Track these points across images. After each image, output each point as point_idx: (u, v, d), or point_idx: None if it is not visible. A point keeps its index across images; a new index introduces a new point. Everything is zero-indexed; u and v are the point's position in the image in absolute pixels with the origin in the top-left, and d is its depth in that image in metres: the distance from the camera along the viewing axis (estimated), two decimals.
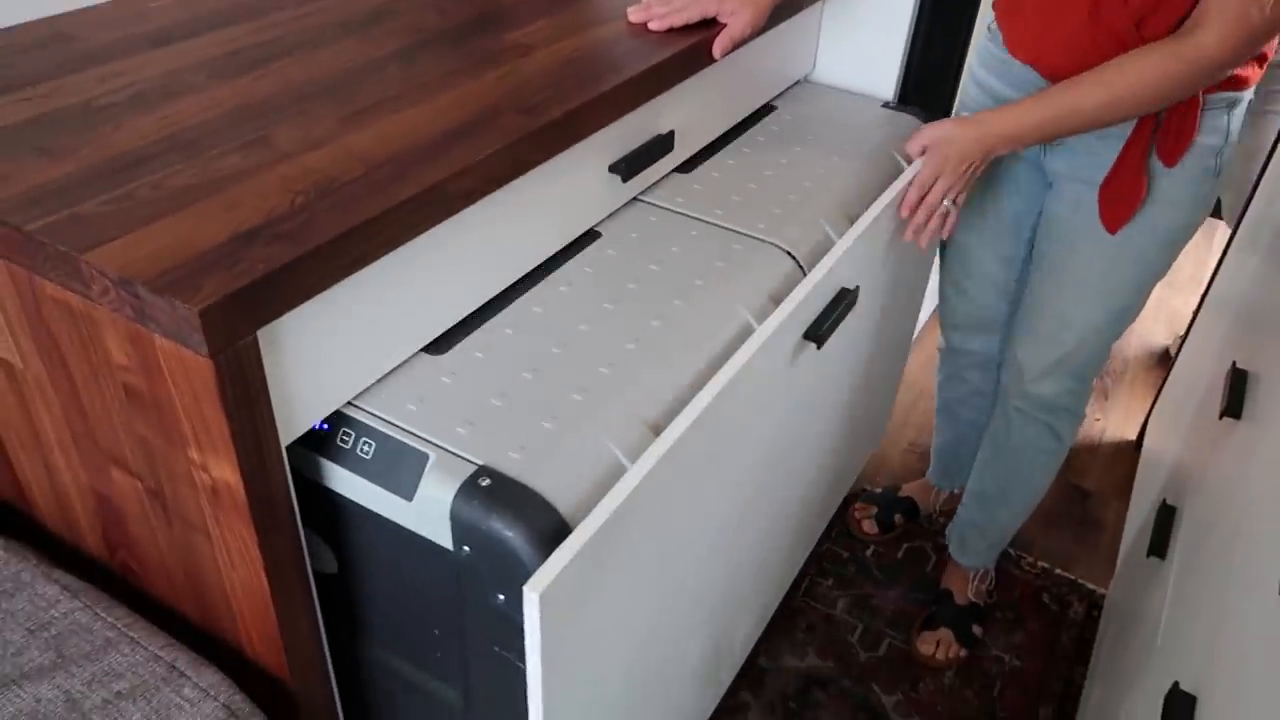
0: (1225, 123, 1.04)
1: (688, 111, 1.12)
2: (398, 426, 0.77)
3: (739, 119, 1.28)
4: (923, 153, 1.10)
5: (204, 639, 0.85)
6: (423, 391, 0.81)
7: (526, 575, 0.67)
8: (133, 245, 0.64)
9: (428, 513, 0.73)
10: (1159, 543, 1.16)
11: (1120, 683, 1.11)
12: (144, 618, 0.81)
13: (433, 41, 1.00)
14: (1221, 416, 1.07)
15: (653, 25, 1.07)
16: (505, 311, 0.91)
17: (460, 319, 0.88)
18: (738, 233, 1.06)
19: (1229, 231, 1.70)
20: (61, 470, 0.83)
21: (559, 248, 0.99)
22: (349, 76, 0.90)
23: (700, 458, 0.81)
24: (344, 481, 0.77)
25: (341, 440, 0.77)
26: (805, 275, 1.02)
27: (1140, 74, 0.98)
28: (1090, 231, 1.14)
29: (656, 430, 0.81)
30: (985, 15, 1.58)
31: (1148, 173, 1.07)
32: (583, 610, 0.70)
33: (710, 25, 1.09)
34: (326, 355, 0.73)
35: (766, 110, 1.35)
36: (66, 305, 0.67)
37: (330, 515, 0.81)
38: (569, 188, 0.96)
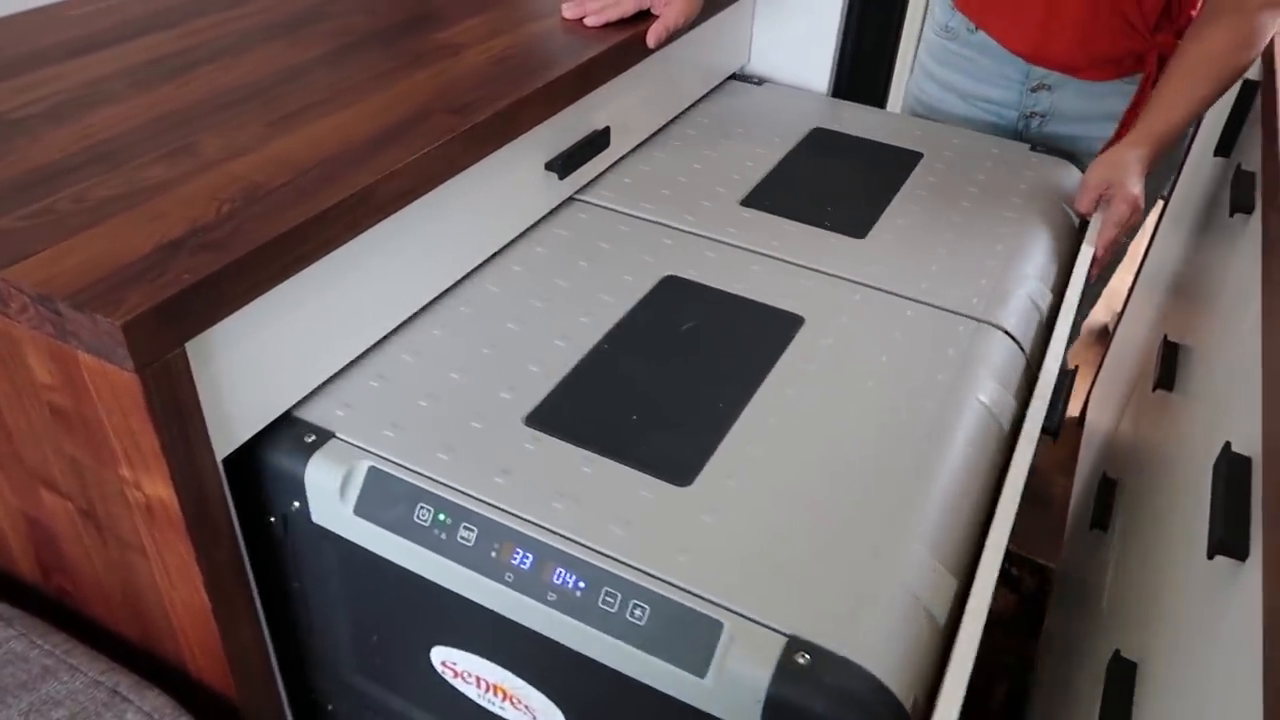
0: None
1: (623, 107, 1.12)
2: (681, 590, 0.65)
3: (675, 113, 1.28)
4: (1097, 201, 1.09)
5: (147, 660, 0.83)
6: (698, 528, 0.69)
7: None
8: (53, 260, 0.62)
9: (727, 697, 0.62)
10: (1100, 515, 1.19)
11: (1070, 654, 1.14)
12: (84, 642, 0.79)
13: (361, 44, 0.98)
14: (1155, 389, 1.10)
15: (589, 21, 1.07)
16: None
17: (399, 322, 0.87)
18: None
19: (1161, 207, 1.74)
20: None
21: (501, 245, 0.98)
22: (275, 81, 0.89)
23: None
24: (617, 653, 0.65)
25: (604, 603, 0.65)
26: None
27: (1221, 51, 1.02)
28: None
29: (944, 560, 0.70)
30: (917, 6, 1.60)
31: None
32: None
33: (645, 19, 1.09)
34: (262, 363, 0.71)
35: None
36: None
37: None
38: (505, 186, 0.95)
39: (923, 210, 1.11)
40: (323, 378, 0.79)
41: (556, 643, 0.67)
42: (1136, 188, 1.06)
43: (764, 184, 1.14)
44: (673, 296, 0.93)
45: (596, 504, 0.70)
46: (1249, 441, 0.69)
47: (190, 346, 0.63)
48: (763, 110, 1.33)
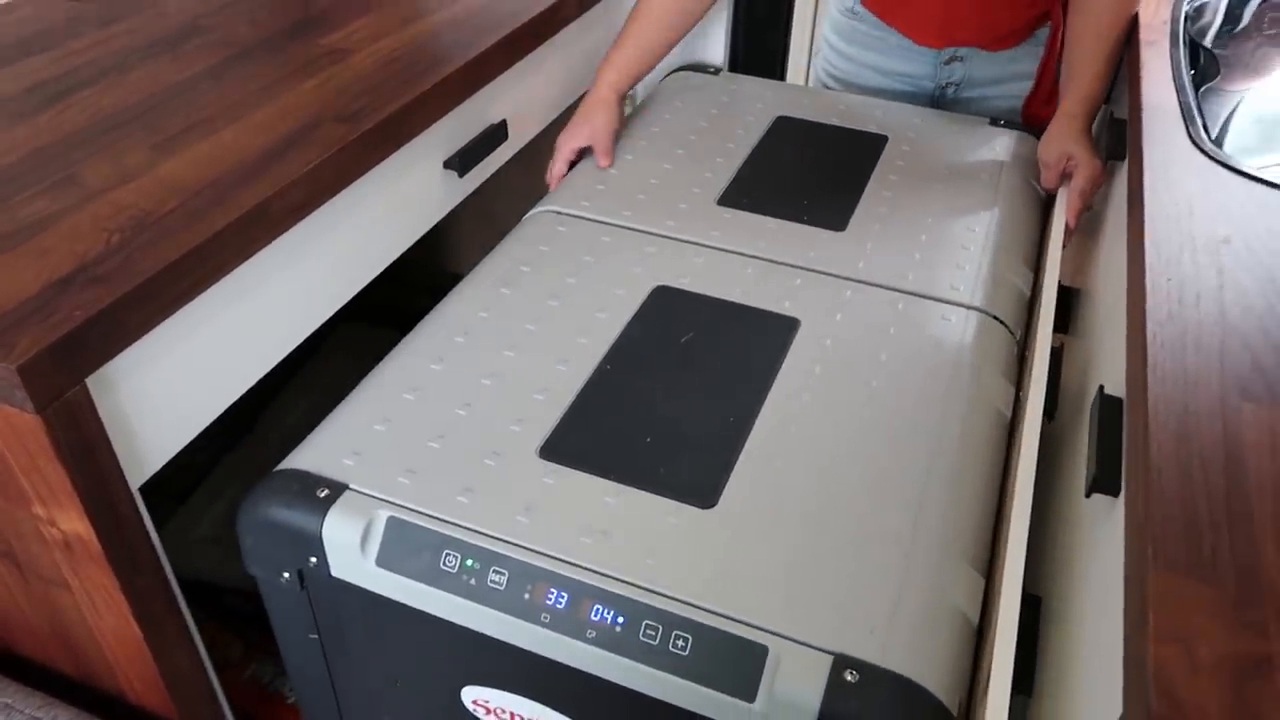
0: None
1: (519, 98, 1.13)
2: (722, 616, 0.64)
3: (570, 102, 1.29)
4: (1061, 174, 1.11)
5: (84, 692, 0.83)
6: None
7: None
8: None
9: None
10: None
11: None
12: (16, 680, 0.79)
13: (246, 55, 0.98)
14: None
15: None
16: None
17: (309, 332, 0.87)
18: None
19: None
20: None
21: (405, 248, 0.99)
22: (158, 101, 0.88)
23: None
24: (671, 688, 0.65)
25: (646, 636, 0.65)
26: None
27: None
28: None
29: (969, 558, 0.71)
30: None
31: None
32: None
33: (536, 24, 1.10)
34: (170, 388, 0.72)
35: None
36: None
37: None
38: (405, 189, 0.96)
39: (896, 196, 1.11)
40: (234, 396, 0.79)
41: (597, 677, 0.67)
42: (1093, 153, 1.10)
43: (738, 180, 1.12)
44: (666, 308, 0.92)
45: (624, 535, 0.69)
46: (1120, 384, 0.74)
47: (91, 381, 0.63)
48: (722, 101, 1.31)
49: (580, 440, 0.77)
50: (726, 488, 0.74)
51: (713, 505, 0.72)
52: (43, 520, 0.67)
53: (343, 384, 0.83)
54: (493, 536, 0.70)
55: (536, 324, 0.89)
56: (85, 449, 0.64)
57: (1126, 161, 1.06)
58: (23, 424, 0.61)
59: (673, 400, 0.82)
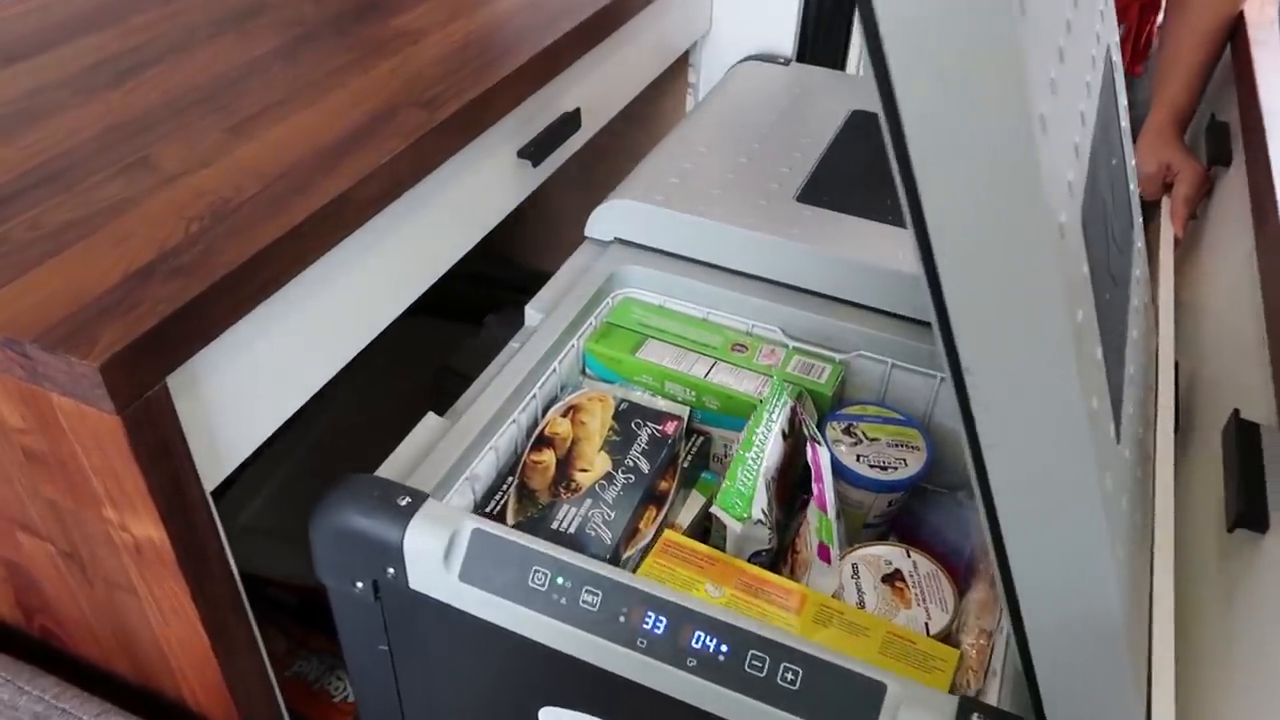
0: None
1: (591, 86, 1.09)
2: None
3: (641, 88, 1.25)
4: (1162, 184, 1.08)
5: (143, 699, 0.80)
6: None
7: None
8: (15, 297, 0.58)
9: None
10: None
11: None
12: (74, 685, 0.76)
13: (315, 35, 0.94)
14: None
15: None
16: None
17: (380, 329, 0.83)
18: None
19: None
20: None
21: (477, 241, 0.95)
22: (230, 81, 0.84)
23: None
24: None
25: (752, 667, 0.61)
26: None
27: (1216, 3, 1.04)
28: None
29: None
30: None
31: None
32: None
33: (610, 10, 1.05)
34: (246, 388, 0.68)
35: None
36: None
37: None
38: (480, 179, 0.91)
39: None
40: (310, 393, 0.76)
41: (695, 708, 0.64)
42: (1194, 159, 1.06)
43: (816, 176, 1.06)
44: None
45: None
46: (1256, 410, 0.69)
47: (171, 380, 0.59)
48: (795, 93, 1.26)
49: None
50: None
51: None
52: (113, 524, 0.64)
53: (388, 376, 0.79)
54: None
55: None
56: (164, 452, 0.60)
57: (1239, 167, 1.00)
58: (101, 424, 0.57)
59: None
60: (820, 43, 1.49)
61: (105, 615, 0.74)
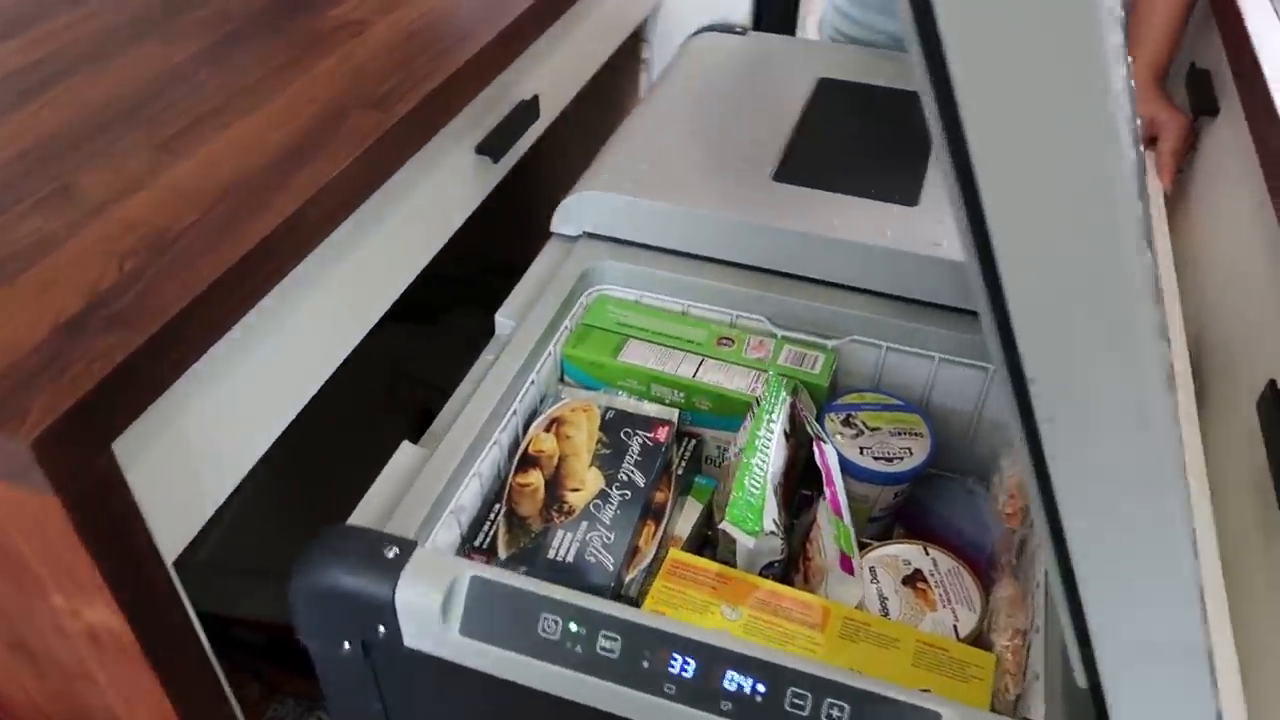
0: None
1: (547, 70, 1.01)
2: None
3: (595, 70, 1.17)
4: (1146, 139, 1.04)
5: None
6: None
7: None
8: None
9: None
10: None
11: None
12: None
13: (245, 33, 0.85)
14: None
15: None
16: None
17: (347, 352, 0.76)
18: None
19: None
20: None
21: (441, 245, 0.87)
22: (154, 91, 0.75)
23: None
24: None
25: (793, 706, 0.57)
26: None
27: None
28: None
29: None
30: None
31: None
32: None
33: None
34: (206, 439, 0.60)
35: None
36: None
37: None
38: (438, 180, 0.84)
39: None
40: (276, 434, 0.68)
41: None
42: (1178, 111, 1.03)
43: (790, 152, 1.00)
44: None
45: None
46: None
47: (117, 446, 0.52)
48: (755, 64, 1.20)
49: None
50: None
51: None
52: (63, 612, 0.56)
53: (341, 385, 0.72)
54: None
55: None
56: (114, 529, 0.52)
57: (1230, 116, 0.97)
58: (38, 507, 0.49)
59: None
60: (776, 8, 1.43)
61: (63, 706, 0.66)
